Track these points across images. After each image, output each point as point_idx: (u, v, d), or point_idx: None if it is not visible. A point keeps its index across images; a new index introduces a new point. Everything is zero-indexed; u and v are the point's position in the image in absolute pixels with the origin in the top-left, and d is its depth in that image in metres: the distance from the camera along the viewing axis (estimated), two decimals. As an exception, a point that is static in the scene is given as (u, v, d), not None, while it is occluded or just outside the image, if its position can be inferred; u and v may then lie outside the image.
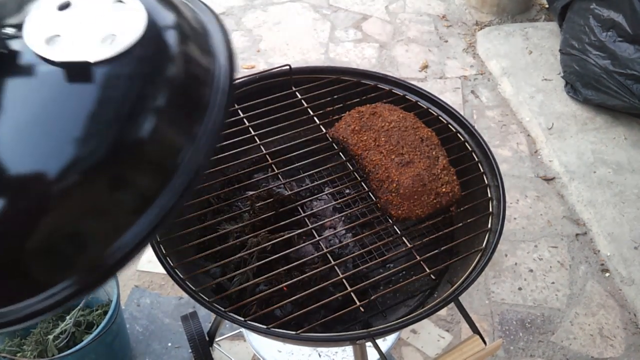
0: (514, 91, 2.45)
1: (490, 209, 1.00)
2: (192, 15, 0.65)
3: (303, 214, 0.97)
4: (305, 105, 1.13)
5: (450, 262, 0.96)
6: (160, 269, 0.77)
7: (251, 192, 1.05)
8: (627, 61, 2.03)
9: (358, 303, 0.86)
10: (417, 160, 0.98)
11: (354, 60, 2.68)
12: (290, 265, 0.91)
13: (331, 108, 1.14)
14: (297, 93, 1.16)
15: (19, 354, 1.35)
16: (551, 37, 2.70)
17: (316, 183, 1.10)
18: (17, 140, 0.51)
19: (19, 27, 0.55)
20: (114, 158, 0.52)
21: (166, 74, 0.56)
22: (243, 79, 1.14)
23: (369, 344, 0.90)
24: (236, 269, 0.97)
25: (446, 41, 2.81)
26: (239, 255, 0.94)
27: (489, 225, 0.97)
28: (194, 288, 0.86)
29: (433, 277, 0.91)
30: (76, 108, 0.52)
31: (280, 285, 0.90)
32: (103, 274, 0.52)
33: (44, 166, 0.50)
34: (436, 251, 0.94)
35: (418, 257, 0.92)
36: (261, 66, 2.60)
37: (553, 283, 1.84)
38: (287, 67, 1.16)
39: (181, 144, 0.55)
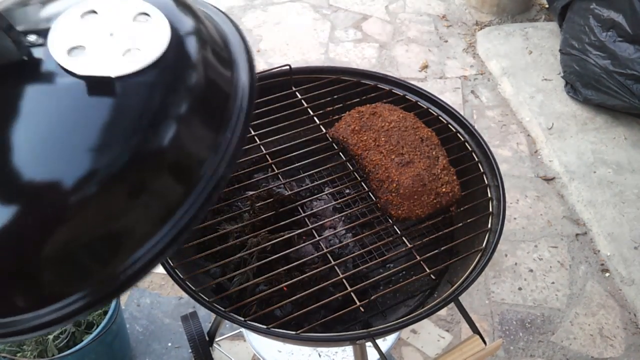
0: (514, 91, 2.45)
1: (490, 209, 1.00)
2: (212, 26, 0.64)
3: (303, 214, 0.97)
4: (305, 105, 1.13)
5: (450, 262, 0.96)
6: (160, 269, 0.77)
7: (251, 192, 1.05)
8: (627, 61, 2.02)
9: (358, 303, 0.86)
10: (417, 160, 0.98)
11: (354, 60, 2.68)
12: (290, 265, 0.91)
13: (331, 108, 1.14)
14: (297, 93, 1.16)
15: (19, 354, 1.35)
16: (551, 37, 2.70)
17: (316, 183, 1.10)
18: (35, 149, 0.50)
19: (43, 33, 0.55)
20: (135, 168, 0.51)
21: (188, 87, 0.55)
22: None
23: (369, 344, 0.90)
24: (236, 269, 0.97)
25: (446, 41, 2.81)
26: (239, 255, 0.94)
27: (489, 225, 0.97)
28: (194, 288, 0.86)
29: (433, 277, 0.91)
30: (96, 119, 0.51)
31: (280, 285, 0.90)
32: (119, 286, 0.51)
33: (61, 175, 0.49)
34: (436, 251, 0.94)
35: (418, 257, 0.92)
36: (261, 66, 2.59)
37: (553, 283, 1.84)
38: (287, 67, 1.16)
39: (205, 154, 0.55)
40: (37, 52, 0.54)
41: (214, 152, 0.55)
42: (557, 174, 2.16)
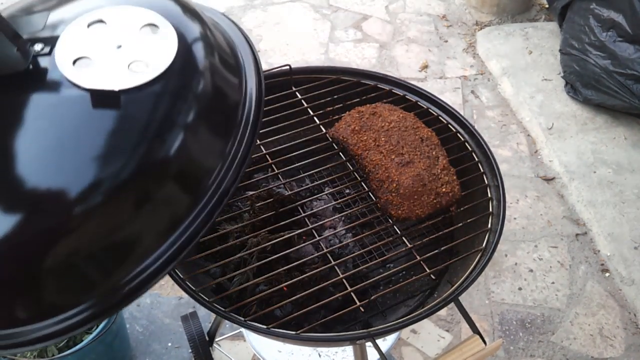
0: (514, 91, 2.45)
1: (490, 209, 0.99)
2: (220, 34, 0.63)
3: (303, 214, 0.97)
4: (305, 105, 1.13)
5: (450, 262, 0.96)
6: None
7: (251, 192, 1.05)
8: (627, 61, 2.02)
9: (358, 303, 0.86)
10: (417, 160, 0.98)
11: (354, 60, 2.68)
12: (290, 265, 0.91)
13: (331, 108, 1.14)
14: (297, 93, 1.16)
15: (19, 354, 1.35)
16: (551, 37, 2.70)
17: (316, 183, 1.10)
18: (37, 159, 0.50)
19: (50, 42, 0.54)
20: (141, 179, 0.50)
21: (195, 96, 0.54)
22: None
23: (369, 344, 0.90)
24: (236, 269, 0.97)
25: (446, 41, 2.81)
26: (239, 255, 0.94)
27: (489, 225, 0.97)
28: (194, 288, 0.86)
29: (433, 277, 0.91)
30: (100, 130, 0.50)
31: (280, 285, 0.90)
32: (123, 298, 0.50)
33: (64, 185, 0.49)
34: (436, 251, 0.94)
35: (418, 257, 0.92)
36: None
37: (553, 283, 1.84)
38: (287, 67, 1.16)
39: (212, 164, 0.54)
40: (43, 62, 0.53)
41: (221, 161, 0.54)
42: (557, 174, 2.16)
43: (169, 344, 1.65)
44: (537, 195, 2.11)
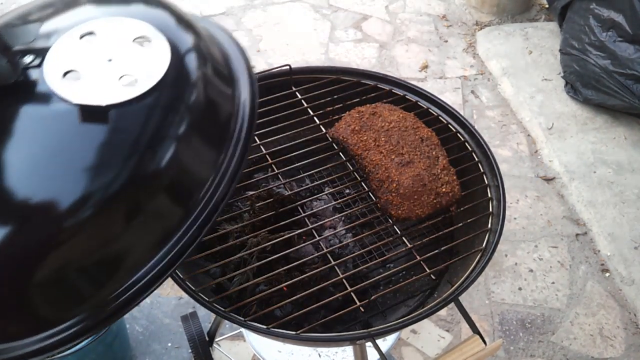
0: (514, 91, 2.45)
1: (491, 209, 0.99)
2: (214, 44, 0.62)
3: (303, 214, 0.97)
4: (305, 105, 1.13)
5: (450, 262, 0.96)
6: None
7: (251, 192, 1.05)
8: (627, 61, 2.02)
9: (358, 303, 0.86)
10: (417, 160, 0.98)
11: (354, 60, 2.68)
12: (290, 265, 0.91)
13: (331, 108, 1.14)
14: (297, 93, 1.16)
15: None
16: (551, 37, 2.70)
17: (316, 183, 1.10)
18: (25, 172, 0.49)
19: (41, 54, 0.53)
20: (132, 191, 0.50)
21: (187, 108, 0.54)
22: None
23: (369, 344, 0.90)
24: (236, 269, 0.97)
25: (446, 41, 2.81)
26: (239, 255, 0.94)
27: (489, 225, 0.97)
28: (193, 288, 0.86)
29: (433, 277, 0.91)
30: (88, 144, 0.50)
31: (280, 285, 0.90)
32: (115, 311, 0.50)
33: (54, 198, 0.48)
34: (436, 251, 0.94)
35: (418, 257, 0.92)
36: (261, 66, 2.59)
37: (553, 283, 1.84)
38: (287, 67, 1.16)
39: (205, 175, 0.53)
40: (33, 74, 0.53)
41: (213, 173, 0.54)
42: (557, 174, 2.16)
43: (169, 344, 1.65)
44: (537, 195, 2.11)
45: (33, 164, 0.50)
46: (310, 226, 0.95)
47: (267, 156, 1.04)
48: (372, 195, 0.99)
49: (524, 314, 1.76)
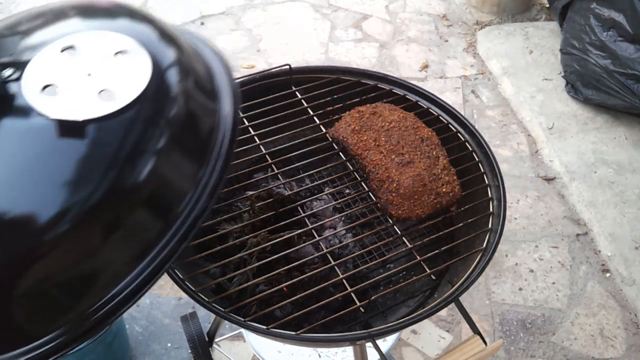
0: (515, 91, 2.45)
1: (491, 209, 0.99)
2: (198, 58, 0.62)
3: (303, 214, 0.97)
4: (305, 105, 1.13)
5: (450, 262, 0.95)
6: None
7: (251, 192, 1.05)
8: (627, 61, 2.02)
9: (358, 303, 0.86)
10: (417, 160, 0.97)
11: (354, 60, 2.68)
12: (290, 266, 0.91)
13: (331, 108, 1.14)
14: (297, 93, 1.16)
15: None
16: (552, 36, 2.70)
17: (316, 183, 1.09)
18: (3, 186, 0.49)
19: (21, 67, 0.53)
20: (110, 205, 0.50)
21: (167, 122, 0.54)
22: (243, 79, 1.14)
23: (369, 344, 0.90)
24: (236, 269, 0.97)
25: (446, 41, 2.81)
26: (239, 255, 0.94)
27: (490, 225, 0.97)
28: (193, 288, 0.86)
29: (433, 277, 0.91)
30: (66, 159, 0.50)
31: (280, 286, 0.90)
32: (95, 325, 0.50)
33: (30, 212, 0.48)
34: (436, 251, 0.94)
35: (418, 257, 0.92)
36: (261, 66, 2.59)
37: (554, 283, 1.84)
38: (287, 66, 1.16)
39: (184, 189, 0.53)
40: (11, 87, 0.52)
41: (193, 187, 0.54)
42: (557, 174, 2.16)
43: (169, 345, 1.65)
44: (537, 195, 2.10)
45: (10, 178, 0.49)
46: (310, 226, 0.95)
47: (267, 156, 1.04)
48: (372, 195, 0.99)
49: (524, 314, 1.76)
